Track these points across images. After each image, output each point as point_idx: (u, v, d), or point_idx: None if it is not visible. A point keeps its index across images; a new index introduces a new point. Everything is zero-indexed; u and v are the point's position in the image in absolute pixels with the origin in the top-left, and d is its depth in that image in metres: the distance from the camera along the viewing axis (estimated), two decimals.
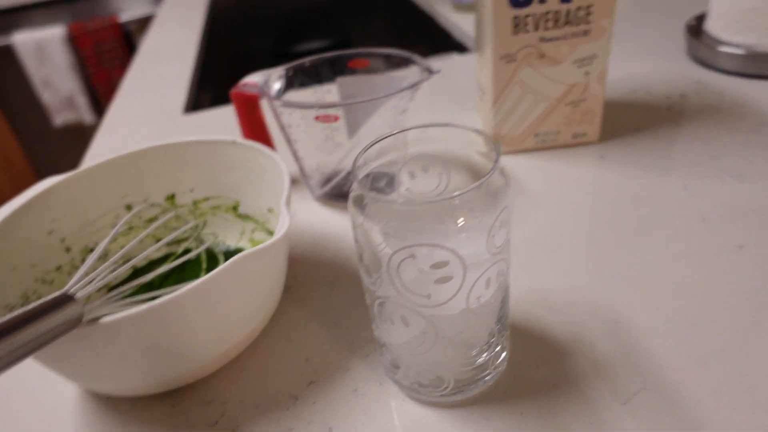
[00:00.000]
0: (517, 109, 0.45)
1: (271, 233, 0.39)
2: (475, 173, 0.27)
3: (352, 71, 0.46)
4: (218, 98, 0.92)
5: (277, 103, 0.40)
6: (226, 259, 0.40)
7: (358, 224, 0.25)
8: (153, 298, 0.30)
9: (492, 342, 0.27)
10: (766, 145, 0.43)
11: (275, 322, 0.35)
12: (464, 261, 0.23)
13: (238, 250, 0.41)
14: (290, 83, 0.45)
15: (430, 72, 0.39)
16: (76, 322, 0.24)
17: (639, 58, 0.60)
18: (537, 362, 0.29)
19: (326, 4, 1.31)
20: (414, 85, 0.39)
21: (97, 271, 0.28)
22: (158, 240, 0.42)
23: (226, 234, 0.42)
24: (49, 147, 1.84)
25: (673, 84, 0.54)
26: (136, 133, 0.62)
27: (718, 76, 0.54)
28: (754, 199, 0.38)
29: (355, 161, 0.25)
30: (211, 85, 0.93)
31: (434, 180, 0.29)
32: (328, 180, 0.46)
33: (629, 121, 0.49)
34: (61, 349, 0.26)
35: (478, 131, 0.25)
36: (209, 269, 0.39)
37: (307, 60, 0.46)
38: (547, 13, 0.40)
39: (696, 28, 0.58)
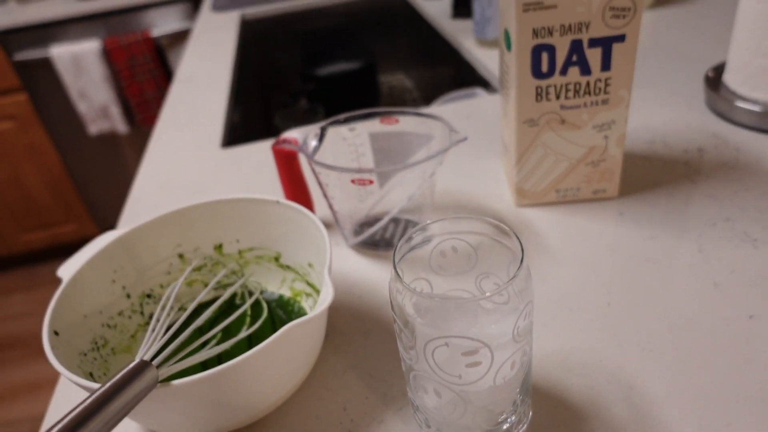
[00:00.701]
0: (539, 168, 0.47)
1: (310, 285, 0.43)
2: (503, 254, 0.30)
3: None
4: (251, 129, 0.97)
5: (315, 165, 0.43)
6: (269, 305, 0.44)
7: (396, 305, 0.28)
8: (206, 344, 0.33)
9: (516, 408, 0.30)
10: None
11: (315, 369, 0.39)
12: (493, 350, 0.26)
13: (280, 297, 0.44)
14: (325, 133, 0.49)
15: (458, 140, 0.42)
16: (153, 386, 0.28)
17: (658, 106, 0.63)
18: (557, 425, 0.32)
19: (351, 25, 1.35)
20: (442, 152, 0.42)
21: (167, 336, 0.32)
22: (206, 285, 0.45)
23: (267, 281, 0.45)
24: (84, 154, 1.91)
25: (691, 136, 0.56)
26: (177, 169, 0.67)
27: (735, 129, 0.56)
28: (766, 266, 0.40)
29: (394, 252, 0.28)
30: (244, 110, 0.97)
31: (463, 260, 0.32)
32: (359, 227, 0.50)
33: (648, 175, 0.52)
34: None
35: (507, 229, 0.28)
36: (254, 315, 0.43)
37: (341, 116, 0.49)
38: (567, 84, 0.43)
39: (714, 80, 0.60)
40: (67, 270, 0.39)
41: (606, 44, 0.41)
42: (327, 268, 0.34)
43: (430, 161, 0.42)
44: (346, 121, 0.49)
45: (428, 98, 1.27)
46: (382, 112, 0.49)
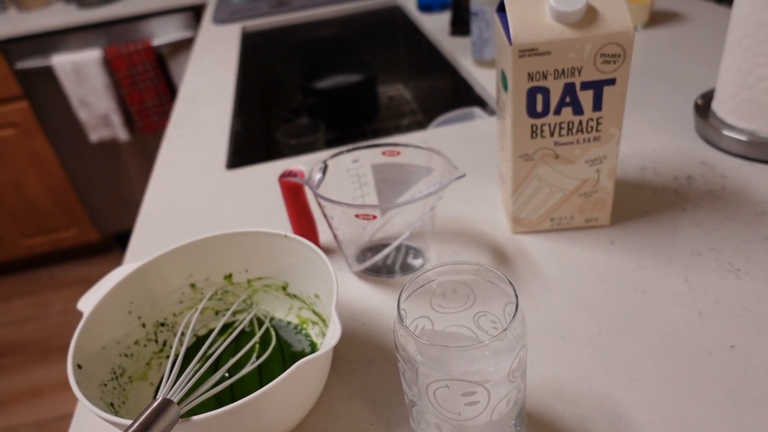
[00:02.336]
0: (534, 198, 0.50)
1: (316, 314, 0.45)
2: (499, 295, 0.33)
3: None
4: (253, 143, 0.99)
5: (321, 200, 0.45)
6: (276, 332, 0.46)
7: (400, 345, 0.30)
8: (216, 372, 0.36)
9: None
10: (762, 239, 0.48)
11: (322, 396, 0.41)
12: (490, 390, 0.28)
13: (287, 324, 0.47)
14: (329, 165, 0.51)
15: (457, 176, 0.44)
16: (175, 422, 0.30)
17: (649, 131, 0.65)
18: None
19: (350, 36, 1.37)
20: (442, 188, 0.44)
21: (186, 373, 0.34)
22: (216, 312, 0.48)
23: (275, 308, 0.48)
24: (84, 161, 1.92)
25: (681, 163, 0.59)
26: (184, 192, 0.69)
27: (722, 156, 0.59)
28: (748, 297, 0.43)
29: (399, 296, 0.30)
30: (246, 125, 0.99)
31: (462, 300, 0.34)
32: (362, 252, 0.52)
33: (638, 203, 0.54)
34: None
35: (503, 277, 0.31)
36: (262, 342, 0.45)
37: (344, 149, 0.51)
38: (561, 122, 0.45)
39: (703, 108, 0.63)
40: (86, 303, 0.41)
41: (597, 87, 0.43)
42: (334, 306, 0.36)
43: (431, 197, 0.44)
44: (349, 152, 0.51)
45: (426, 110, 1.29)
46: (384, 144, 0.51)
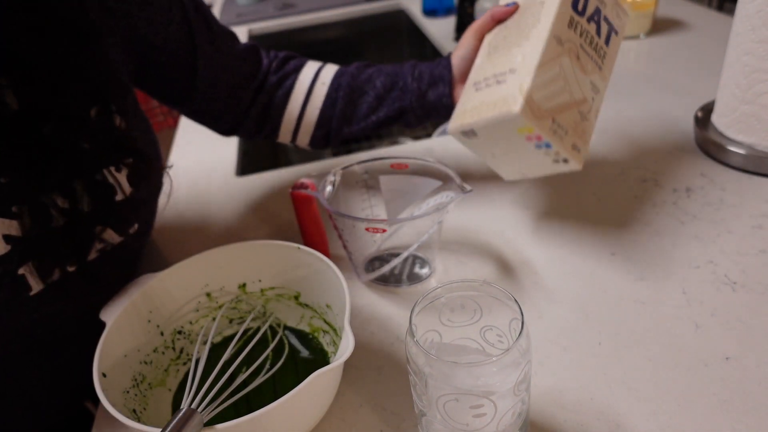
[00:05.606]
0: (550, 85, 0.48)
1: (327, 323, 0.47)
2: (505, 311, 0.34)
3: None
4: (260, 146, 1.00)
5: (333, 213, 0.47)
6: (289, 341, 0.48)
7: (411, 359, 0.32)
8: (235, 379, 0.37)
9: None
10: (758, 252, 0.49)
11: (333, 403, 0.43)
12: (496, 403, 0.30)
13: (301, 330, 0.48)
14: (339, 178, 0.53)
15: (465, 192, 0.46)
16: (199, 431, 0.32)
17: (651, 141, 0.66)
18: None
19: (356, 39, 1.38)
20: (449, 202, 0.46)
21: (208, 384, 0.36)
22: (230, 320, 0.50)
23: (287, 316, 0.49)
24: None
25: (681, 175, 0.60)
26: (196, 199, 0.70)
27: (722, 169, 0.60)
28: (743, 310, 0.44)
29: (411, 312, 0.32)
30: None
31: (469, 314, 0.36)
32: (370, 262, 0.54)
33: (640, 215, 0.56)
34: None
35: (509, 294, 0.32)
36: (275, 349, 0.47)
37: (355, 162, 0.53)
38: (588, 31, 0.50)
39: (703, 120, 0.64)
40: (108, 313, 0.43)
41: (610, 27, 0.51)
42: (347, 320, 0.38)
43: (438, 211, 0.46)
44: (359, 164, 0.53)
45: None
46: (393, 157, 0.53)
